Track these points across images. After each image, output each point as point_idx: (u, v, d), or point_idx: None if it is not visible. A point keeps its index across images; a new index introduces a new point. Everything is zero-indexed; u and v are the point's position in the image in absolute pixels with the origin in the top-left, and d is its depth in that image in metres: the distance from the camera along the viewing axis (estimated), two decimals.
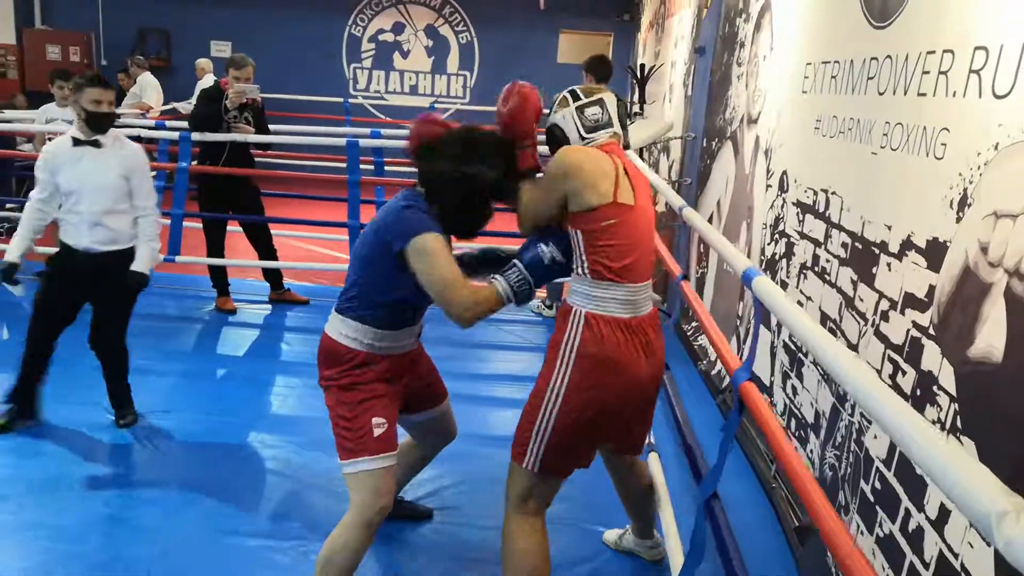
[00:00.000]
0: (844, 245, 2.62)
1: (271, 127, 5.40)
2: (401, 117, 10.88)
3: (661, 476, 2.88)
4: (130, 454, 3.24)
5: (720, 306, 4.33)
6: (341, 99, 10.96)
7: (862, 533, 2.25)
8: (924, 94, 2.12)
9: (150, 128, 5.73)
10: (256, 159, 5.46)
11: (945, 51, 2.02)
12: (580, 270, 2.12)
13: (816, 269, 2.88)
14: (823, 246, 2.82)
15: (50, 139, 5.67)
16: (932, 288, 1.98)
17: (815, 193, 2.94)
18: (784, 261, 3.25)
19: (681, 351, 4.84)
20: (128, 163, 3.25)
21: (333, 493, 2.89)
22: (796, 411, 2.98)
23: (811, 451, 2.79)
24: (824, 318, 2.74)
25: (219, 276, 5.22)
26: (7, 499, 2.83)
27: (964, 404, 1.79)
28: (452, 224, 2.20)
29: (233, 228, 5.41)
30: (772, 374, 3.29)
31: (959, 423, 1.80)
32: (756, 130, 3.89)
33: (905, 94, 2.24)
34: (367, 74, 11.55)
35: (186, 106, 8.75)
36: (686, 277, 3.04)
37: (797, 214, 3.13)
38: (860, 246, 2.48)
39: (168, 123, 6.13)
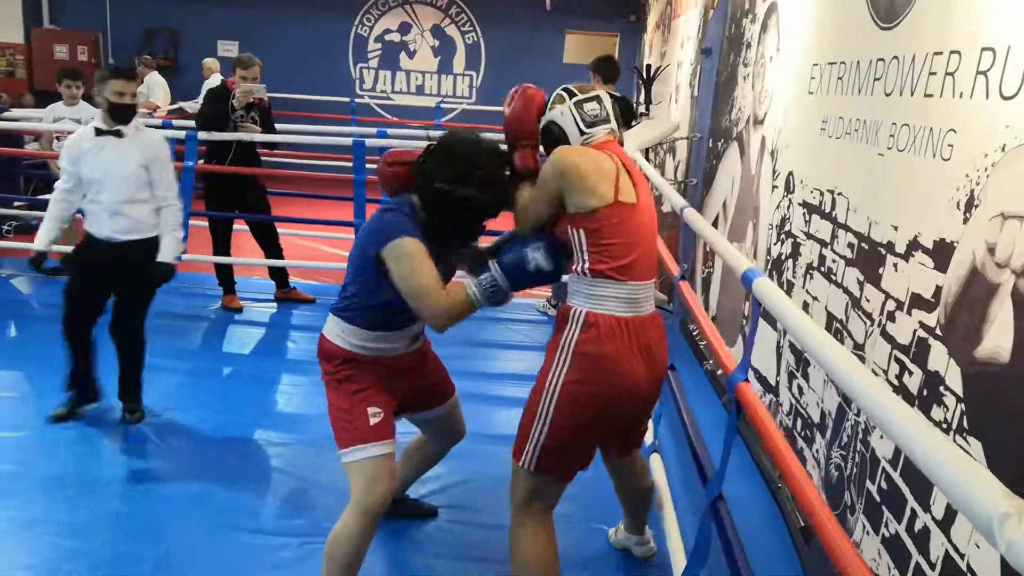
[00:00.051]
0: (851, 246, 2.62)
1: (277, 126, 5.41)
2: (407, 117, 10.91)
3: (663, 477, 2.88)
4: (136, 451, 3.25)
5: (726, 306, 4.33)
6: (347, 99, 10.98)
7: (868, 533, 2.25)
8: (931, 95, 2.12)
9: (157, 127, 5.74)
10: (262, 158, 5.48)
11: (952, 52, 2.02)
12: (580, 269, 2.08)
13: (822, 269, 2.87)
14: (829, 247, 2.82)
15: (58, 138, 5.74)
16: (939, 289, 1.98)
17: (821, 194, 2.94)
18: (790, 262, 3.25)
19: (687, 351, 4.84)
20: (149, 153, 3.30)
21: (339, 490, 2.89)
22: (802, 411, 2.98)
23: (817, 451, 2.78)
24: (831, 319, 2.74)
25: (225, 275, 5.24)
26: (14, 495, 2.85)
27: (971, 405, 1.79)
28: (445, 235, 2.20)
29: (239, 227, 5.44)
30: (778, 374, 3.29)
31: (966, 424, 1.79)
32: (762, 131, 3.89)
33: (912, 95, 2.23)
34: (373, 74, 11.56)
35: (193, 105, 8.78)
36: (684, 278, 3.04)
37: (803, 215, 3.12)
38: (867, 247, 2.48)
39: (175, 122, 6.15)
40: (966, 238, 1.88)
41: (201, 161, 5.16)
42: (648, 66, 6.74)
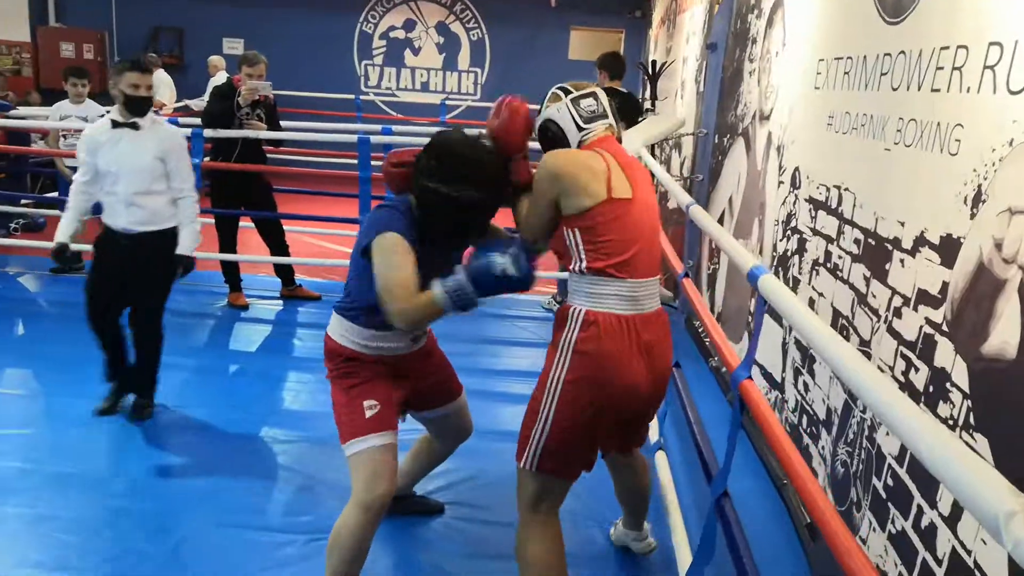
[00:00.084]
0: (857, 241, 2.61)
1: (283, 124, 5.42)
2: (412, 114, 10.91)
3: (668, 474, 2.88)
4: (143, 448, 3.27)
5: (732, 302, 4.32)
6: (352, 96, 11.00)
7: (875, 530, 2.25)
8: (938, 90, 2.11)
9: None
10: (268, 155, 5.49)
11: (959, 47, 2.01)
12: (578, 268, 2.06)
13: (828, 265, 2.86)
14: (836, 242, 2.81)
15: (64, 136, 5.76)
16: (945, 285, 1.97)
17: (828, 189, 2.92)
18: (796, 257, 3.24)
19: (692, 347, 4.83)
20: (165, 145, 3.33)
21: (344, 487, 2.87)
22: (808, 407, 2.97)
23: (823, 447, 2.78)
24: (837, 315, 2.73)
25: (231, 272, 5.26)
26: (22, 492, 2.86)
27: (977, 401, 1.79)
28: (442, 235, 2.18)
29: (245, 224, 5.44)
30: (784, 370, 3.28)
31: (972, 420, 1.79)
32: (768, 126, 3.88)
33: (919, 90, 2.22)
34: (378, 71, 11.57)
35: (199, 103, 8.80)
36: (687, 275, 3.03)
37: (809, 210, 3.11)
38: (873, 242, 2.47)
39: (181, 120, 6.16)
40: (973, 234, 1.87)
41: (207, 158, 5.16)
42: (653, 62, 6.72)
